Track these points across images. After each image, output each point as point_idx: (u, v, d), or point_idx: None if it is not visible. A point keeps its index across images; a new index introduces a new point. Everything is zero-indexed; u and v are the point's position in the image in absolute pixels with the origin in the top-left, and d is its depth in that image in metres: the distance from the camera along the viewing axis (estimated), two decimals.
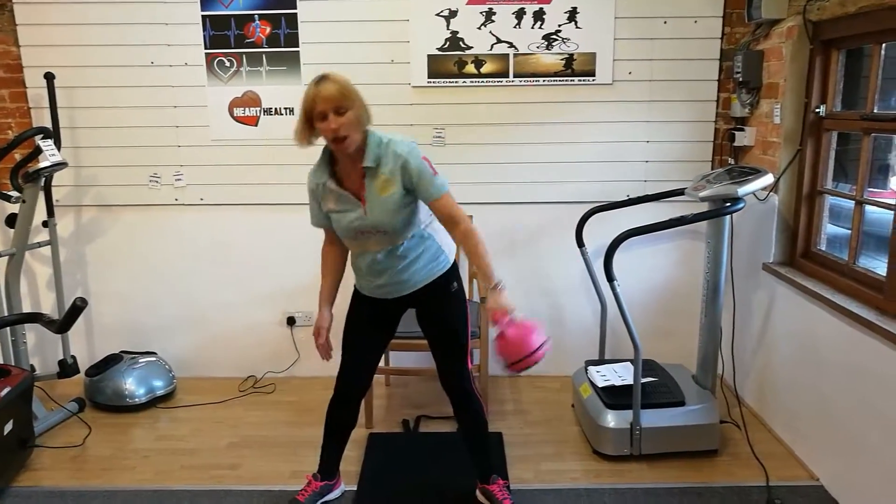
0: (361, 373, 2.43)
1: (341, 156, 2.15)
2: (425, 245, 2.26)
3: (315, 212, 2.30)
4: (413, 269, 2.26)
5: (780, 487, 2.64)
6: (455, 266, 2.36)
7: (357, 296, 2.40)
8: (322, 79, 2.07)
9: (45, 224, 3.35)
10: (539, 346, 2.01)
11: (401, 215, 2.15)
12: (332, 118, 2.03)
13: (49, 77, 3.25)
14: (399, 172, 2.11)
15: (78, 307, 2.43)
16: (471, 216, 3.44)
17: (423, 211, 2.25)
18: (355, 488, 2.66)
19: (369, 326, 2.37)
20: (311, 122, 2.08)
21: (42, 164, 3.02)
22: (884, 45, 2.57)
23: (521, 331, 2.02)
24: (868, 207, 2.69)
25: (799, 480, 2.70)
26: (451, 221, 2.16)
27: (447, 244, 2.33)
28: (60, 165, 3.08)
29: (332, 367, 3.65)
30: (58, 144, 3.19)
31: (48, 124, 3.25)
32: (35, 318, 2.59)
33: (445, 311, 2.34)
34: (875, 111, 2.59)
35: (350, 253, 2.33)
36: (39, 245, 3.34)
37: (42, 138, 3.04)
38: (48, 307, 3.65)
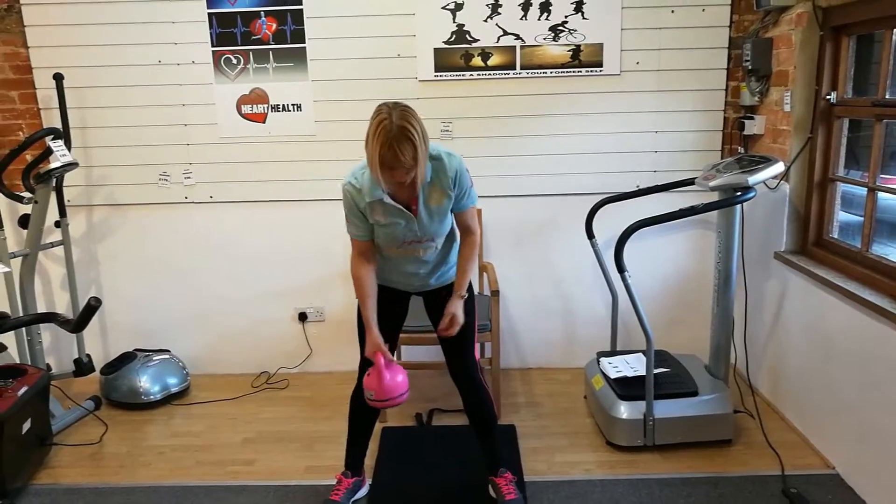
0: None
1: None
2: (455, 244, 2.37)
3: (358, 223, 2.22)
4: (443, 269, 2.37)
5: (795, 476, 2.64)
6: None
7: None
8: (400, 133, 1.93)
9: (57, 224, 3.37)
10: (402, 393, 2.23)
11: (446, 221, 2.25)
12: (400, 171, 2.00)
13: (58, 78, 3.26)
14: (451, 182, 2.18)
15: (92, 307, 2.45)
16: (480, 209, 3.46)
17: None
18: (370, 482, 2.67)
19: (383, 316, 2.38)
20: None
21: (53, 165, 3.04)
22: (895, 30, 2.54)
23: (395, 376, 2.22)
24: (881, 194, 2.68)
25: (814, 469, 2.69)
26: (469, 230, 2.31)
27: None
28: (71, 166, 3.09)
29: (345, 362, 3.70)
30: (68, 145, 3.21)
31: (58, 125, 3.27)
32: (50, 318, 2.61)
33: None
34: (887, 97, 2.57)
35: (379, 255, 2.34)
36: (52, 245, 3.37)
37: (52, 139, 3.06)
38: (62, 307, 3.68)
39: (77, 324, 2.52)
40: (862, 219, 2.72)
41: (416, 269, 2.33)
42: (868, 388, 2.46)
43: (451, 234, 2.35)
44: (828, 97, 2.88)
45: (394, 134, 1.93)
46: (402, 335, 2.97)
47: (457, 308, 2.30)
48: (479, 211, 3.45)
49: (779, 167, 2.74)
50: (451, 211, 2.27)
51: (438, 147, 2.19)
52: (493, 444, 2.52)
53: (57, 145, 3.05)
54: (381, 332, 2.34)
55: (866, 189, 2.69)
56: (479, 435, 2.50)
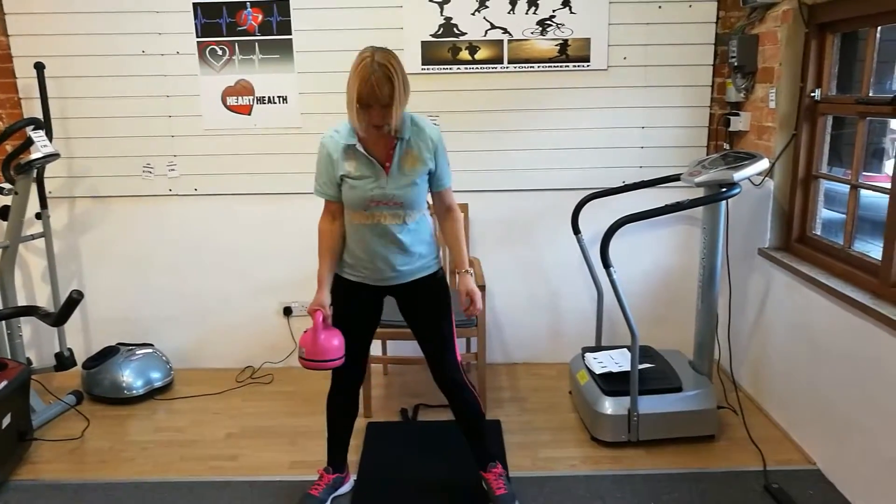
0: (355, 362, 2.42)
1: (377, 132, 2.16)
2: (426, 237, 2.29)
3: (325, 180, 2.22)
4: (414, 258, 2.27)
5: (777, 472, 2.66)
6: (442, 268, 2.39)
7: (339, 285, 2.34)
8: (380, 69, 1.98)
9: (38, 216, 3.32)
10: (335, 359, 2.23)
11: (417, 190, 2.20)
12: (377, 110, 2.04)
13: (39, 67, 3.21)
14: (430, 151, 2.19)
15: (74, 300, 2.41)
16: (466, 204, 3.45)
17: (427, 209, 2.31)
18: (355, 477, 2.67)
19: (356, 317, 2.36)
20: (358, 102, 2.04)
21: (34, 156, 2.99)
22: (879, 28, 2.56)
23: (330, 339, 2.22)
24: (863, 191, 2.70)
25: (796, 465, 2.72)
26: (449, 209, 2.33)
27: (438, 247, 2.39)
28: (52, 157, 3.05)
29: None
30: (49, 135, 3.16)
31: (39, 115, 3.22)
32: (31, 311, 2.58)
33: (429, 301, 2.34)
34: (870, 95, 2.58)
35: (348, 233, 2.28)
36: (33, 237, 3.32)
37: (33, 129, 3.02)
38: (43, 299, 3.64)
39: (58, 317, 2.48)
40: (844, 216, 2.75)
41: (386, 252, 2.23)
42: (849, 384, 2.49)
43: (422, 223, 2.27)
44: (812, 94, 2.89)
45: (373, 70, 1.98)
46: (387, 330, 2.98)
47: (468, 284, 2.29)
48: (466, 206, 3.45)
49: (763, 164, 2.76)
50: (431, 191, 2.27)
51: (422, 117, 2.23)
52: (483, 442, 2.51)
53: (38, 136, 3.00)
54: (354, 335, 2.34)
55: (849, 186, 2.71)
56: (467, 434, 2.49)
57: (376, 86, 1.98)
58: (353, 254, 2.29)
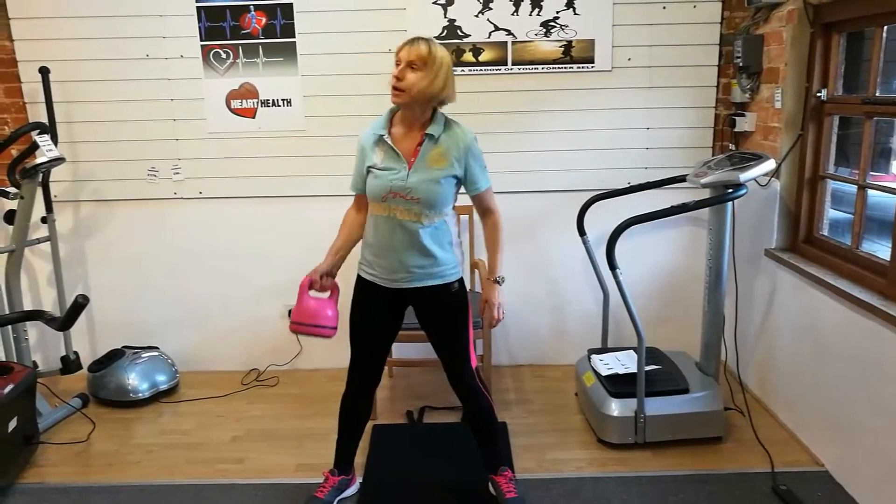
0: (371, 365, 2.42)
1: (403, 117, 2.22)
2: (442, 243, 2.26)
3: (356, 173, 2.31)
4: (422, 259, 2.24)
5: (785, 473, 2.65)
6: (462, 278, 2.36)
7: (360, 286, 2.36)
8: (423, 39, 2.13)
9: (43, 220, 3.33)
10: (320, 326, 2.27)
11: (439, 189, 2.18)
12: (403, 68, 2.11)
13: (44, 71, 3.22)
14: (459, 153, 2.20)
15: (80, 304, 2.42)
16: (470, 206, 3.44)
17: (451, 217, 2.30)
18: (361, 480, 2.66)
19: (375, 319, 2.36)
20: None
21: (39, 160, 3.00)
22: (885, 27, 2.55)
23: (323, 308, 2.29)
24: (870, 191, 2.68)
25: (804, 466, 2.70)
26: (487, 211, 2.34)
27: (460, 259, 2.37)
28: (58, 161, 3.06)
29: (335, 359, 3.68)
30: (54, 140, 3.17)
31: (44, 119, 3.23)
32: (36, 315, 2.58)
33: (445, 312, 2.33)
34: (877, 94, 2.57)
35: (367, 226, 2.31)
36: (39, 241, 3.33)
37: (38, 134, 3.02)
38: (49, 303, 3.64)
39: (64, 322, 2.49)
40: (851, 216, 2.73)
41: (399, 248, 2.22)
42: (857, 385, 2.47)
43: (441, 228, 2.25)
44: (818, 94, 2.88)
45: (419, 38, 2.13)
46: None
47: (491, 294, 2.32)
48: (470, 208, 3.43)
49: (770, 164, 2.75)
50: (470, 195, 2.28)
51: (460, 122, 2.26)
52: (494, 446, 2.50)
53: (43, 140, 3.01)
54: (367, 335, 2.36)
55: (856, 186, 2.70)
56: (479, 438, 2.49)
57: (411, 43, 2.11)
58: (370, 247, 2.31)
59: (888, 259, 2.46)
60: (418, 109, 2.19)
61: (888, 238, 2.45)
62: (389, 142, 2.20)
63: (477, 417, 2.44)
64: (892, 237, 2.41)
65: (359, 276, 2.37)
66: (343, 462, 2.54)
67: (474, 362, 2.40)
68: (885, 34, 2.56)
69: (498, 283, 2.34)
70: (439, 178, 2.18)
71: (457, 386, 2.41)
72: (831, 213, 3.00)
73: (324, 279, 2.34)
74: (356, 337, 2.39)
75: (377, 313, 2.36)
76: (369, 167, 2.23)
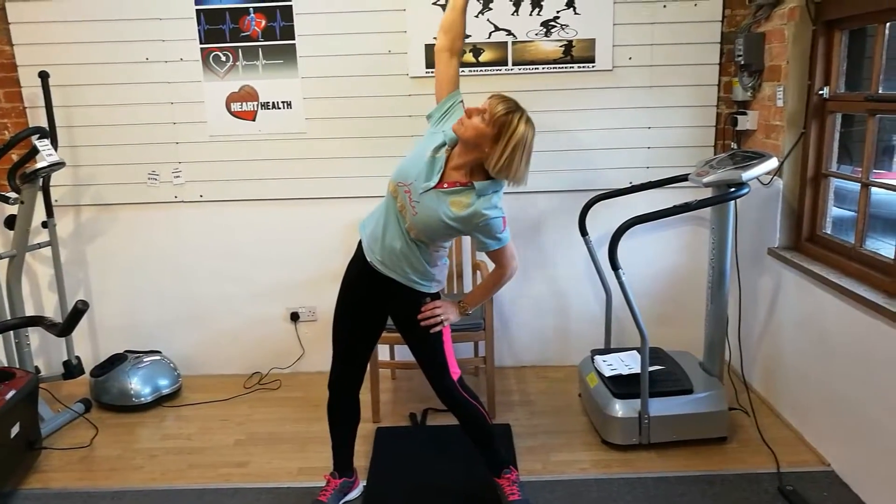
0: (352, 363, 2.42)
1: (463, 153, 2.13)
2: (419, 256, 2.22)
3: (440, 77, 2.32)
4: (397, 250, 2.20)
5: (790, 473, 2.63)
6: (437, 294, 2.34)
7: (353, 259, 2.36)
8: (511, 101, 2.09)
9: (44, 225, 3.32)
10: None
11: (436, 226, 2.13)
12: (473, 118, 2.06)
13: (43, 76, 3.21)
14: (467, 221, 2.12)
15: (79, 310, 2.40)
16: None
17: (442, 250, 2.28)
18: (365, 483, 2.65)
19: (356, 304, 2.35)
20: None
21: (39, 165, 2.99)
22: (888, 24, 2.53)
23: None
24: (873, 189, 2.67)
25: (809, 466, 2.69)
26: (496, 264, 2.28)
27: (440, 280, 2.33)
28: (58, 165, 3.05)
29: None
30: (54, 144, 3.16)
31: (44, 124, 3.22)
32: (37, 321, 2.57)
33: (416, 323, 2.29)
34: (880, 92, 2.56)
35: (382, 202, 2.27)
36: (40, 246, 3.32)
37: (38, 138, 3.01)
38: (51, 308, 3.64)
39: (64, 328, 2.47)
40: (855, 214, 2.72)
41: (385, 228, 2.21)
42: (863, 384, 2.46)
43: (422, 251, 2.21)
44: (820, 92, 2.87)
45: (507, 101, 2.07)
46: (395, 335, 2.94)
47: (448, 308, 2.28)
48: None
49: (772, 163, 2.73)
50: (481, 251, 2.24)
51: (495, 204, 2.15)
52: (491, 450, 2.49)
53: (43, 144, 3.00)
54: (350, 331, 2.38)
55: (859, 184, 2.68)
56: (476, 444, 2.48)
57: (500, 99, 2.07)
58: (375, 213, 2.30)
59: (892, 257, 2.44)
60: (470, 157, 2.12)
61: (892, 236, 2.45)
62: (444, 156, 2.15)
63: (467, 425, 2.43)
64: None
65: (355, 252, 2.36)
66: (342, 464, 2.53)
67: (456, 372, 2.37)
68: (887, 31, 2.54)
69: (461, 306, 2.32)
70: (446, 218, 2.11)
71: (439, 395, 2.40)
72: (834, 212, 2.99)
73: None
74: (338, 333, 2.39)
75: (357, 291, 2.34)
76: (427, 143, 2.20)
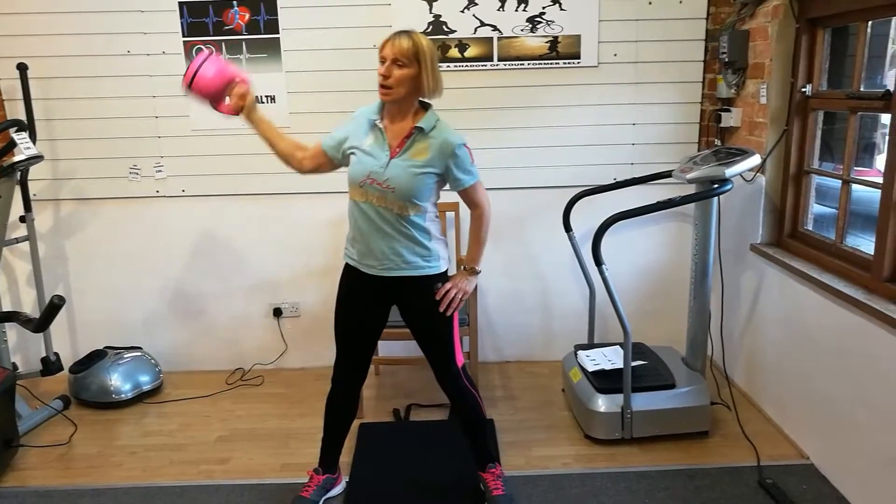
0: (355, 362, 2.40)
1: (392, 110, 2.21)
2: (416, 235, 2.23)
3: (337, 136, 2.32)
4: (396, 248, 2.22)
5: (771, 467, 2.66)
6: (445, 273, 2.34)
7: (344, 273, 2.36)
8: (405, 33, 2.13)
9: (22, 219, 3.28)
10: (195, 71, 2.26)
11: (415, 182, 2.16)
12: (389, 66, 2.11)
13: (22, 68, 3.16)
14: (441, 156, 2.17)
15: (55, 305, 2.38)
16: (456, 202, 3.42)
17: (432, 212, 2.28)
18: (347, 479, 2.64)
19: (356, 308, 2.34)
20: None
21: (17, 158, 2.94)
22: (870, 22, 2.56)
23: (209, 65, 2.27)
24: (854, 186, 2.69)
25: (789, 459, 2.71)
26: (472, 205, 2.31)
27: (444, 255, 2.33)
28: (36, 159, 3.00)
29: (320, 358, 3.65)
30: (33, 137, 3.12)
31: (22, 117, 3.17)
32: (12, 317, 2.54)
33: (427, 308, 2.30)
34: (861, 90, 2.58)
35: (349, 211, 2.29)
36: (17, 241, 3.27)
37: (16, 131, 2.96)
38: (29, 304, 3.59)
39: (39, 323, 2.45)
40: (836, 211, 2.74)
41: (374, 233, 2.21)
42: (842, 379, 2.48)
43: (418, 221, 2.21)
44: (803, 90, 2.89)
45: (401, 32, 2.13)
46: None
47: (460, 281, 2.30)
48: (456, 204, 3.41)
49: (755, 160, 2.75)
50: (456, 190, 2.26)
51: (451, 128, 2.22)
52: (482, 443, 2.49)
53: (21, 138, 2.95)
54: (349, 324, 2.35)
55: (840, 181, 2.71)
56: (467, 435, 2.49)
57: (394, 38, 2.11)
58: (349, 232, 2.32)
59: (872, 253, 2.47)
60: (407, 104, 2.19)
61: (872, 233, 2.46)
62: (381, 128, 2.21)
63: (464, 414, 2.44)
64: (876, 232, 2.42)
65: (345, 265, 2.37)
66: (328, 461, 2.51)
67: (461, 360, 2.38)
68: (869, 29, 2.57)
69: (467, 271, 2.34)
70: (418, 170, 2.16)
71: (444, 383, 2.40)
72: (816, 208, 3.02)
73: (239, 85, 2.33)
74: (340, 329, 2.38)
75: (358, 302, 2.34)
76: (355, 147, 2.23)
